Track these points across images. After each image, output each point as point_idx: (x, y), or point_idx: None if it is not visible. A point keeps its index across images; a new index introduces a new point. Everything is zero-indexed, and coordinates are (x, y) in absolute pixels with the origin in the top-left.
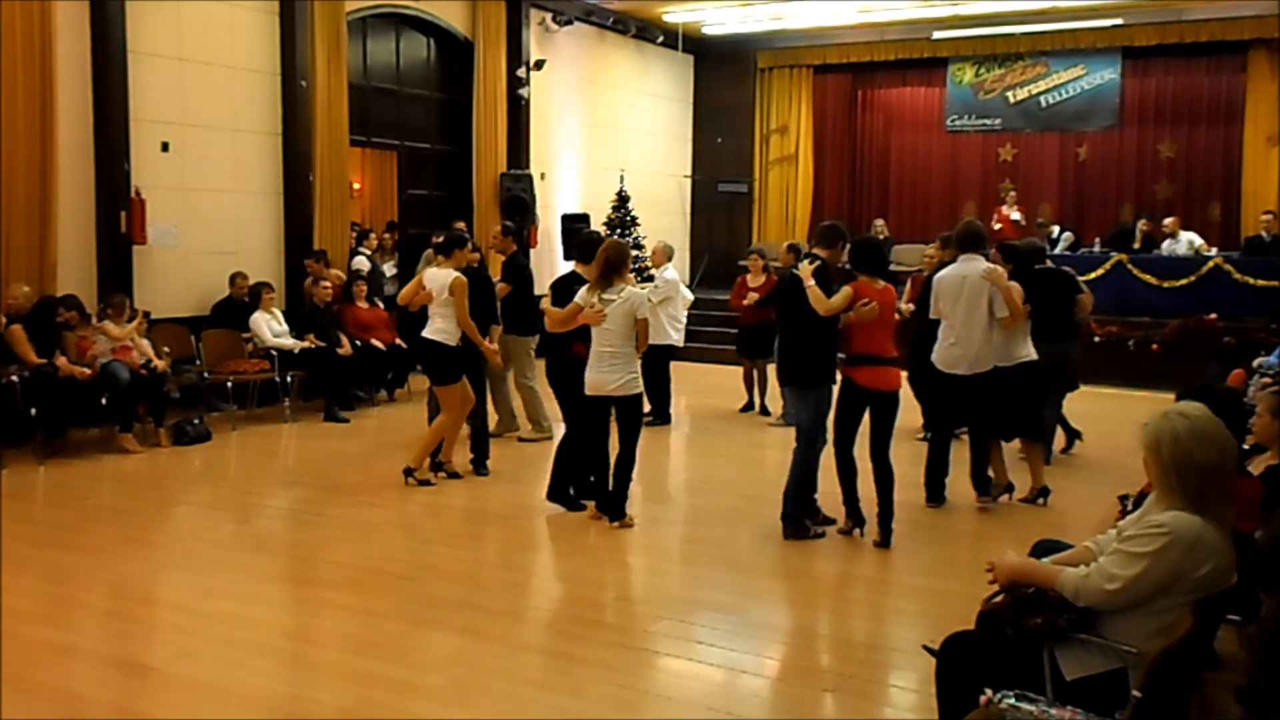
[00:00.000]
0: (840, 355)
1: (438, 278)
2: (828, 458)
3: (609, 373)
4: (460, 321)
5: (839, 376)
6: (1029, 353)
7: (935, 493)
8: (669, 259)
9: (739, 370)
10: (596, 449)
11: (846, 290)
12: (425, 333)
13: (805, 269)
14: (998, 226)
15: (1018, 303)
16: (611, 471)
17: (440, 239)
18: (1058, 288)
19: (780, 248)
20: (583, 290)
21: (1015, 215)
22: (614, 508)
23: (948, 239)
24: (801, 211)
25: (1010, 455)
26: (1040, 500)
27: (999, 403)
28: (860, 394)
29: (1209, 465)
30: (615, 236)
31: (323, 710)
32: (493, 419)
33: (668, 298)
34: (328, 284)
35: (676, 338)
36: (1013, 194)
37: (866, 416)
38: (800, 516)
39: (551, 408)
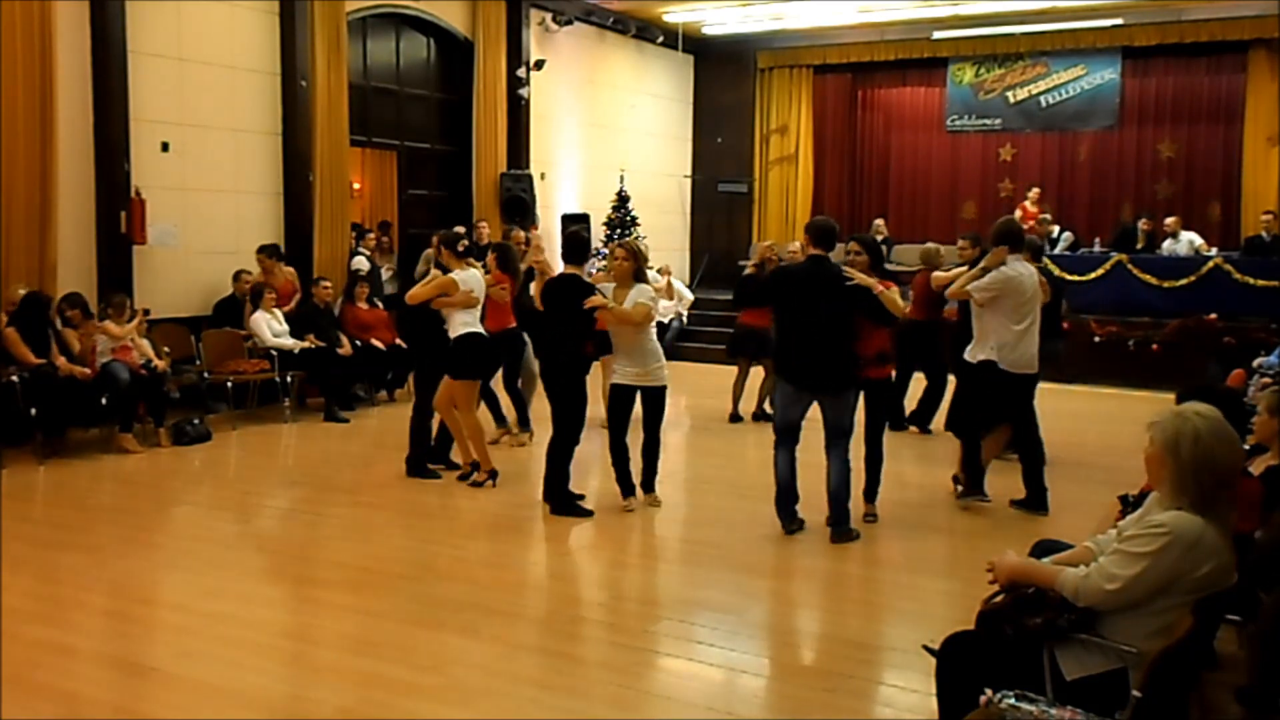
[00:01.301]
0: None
1: (475, 280)
2: (814, 455)
3: (654, 362)
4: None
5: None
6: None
7: (1039, 500)
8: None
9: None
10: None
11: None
12: (475, 330)
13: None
14: (1144, 226)
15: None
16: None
17: (464, 244)
18: (1052, 287)
19: (792, 247)
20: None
21: (1045, 215)
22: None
23: (976, 238)
24: (801, 211)
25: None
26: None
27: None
28: (872, 387)
29: (1227, 466)
30: (616, 238)
31: (323, 710)
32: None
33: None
34: (328, 284)
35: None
36: (1036, 191)
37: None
38: (848, 517)
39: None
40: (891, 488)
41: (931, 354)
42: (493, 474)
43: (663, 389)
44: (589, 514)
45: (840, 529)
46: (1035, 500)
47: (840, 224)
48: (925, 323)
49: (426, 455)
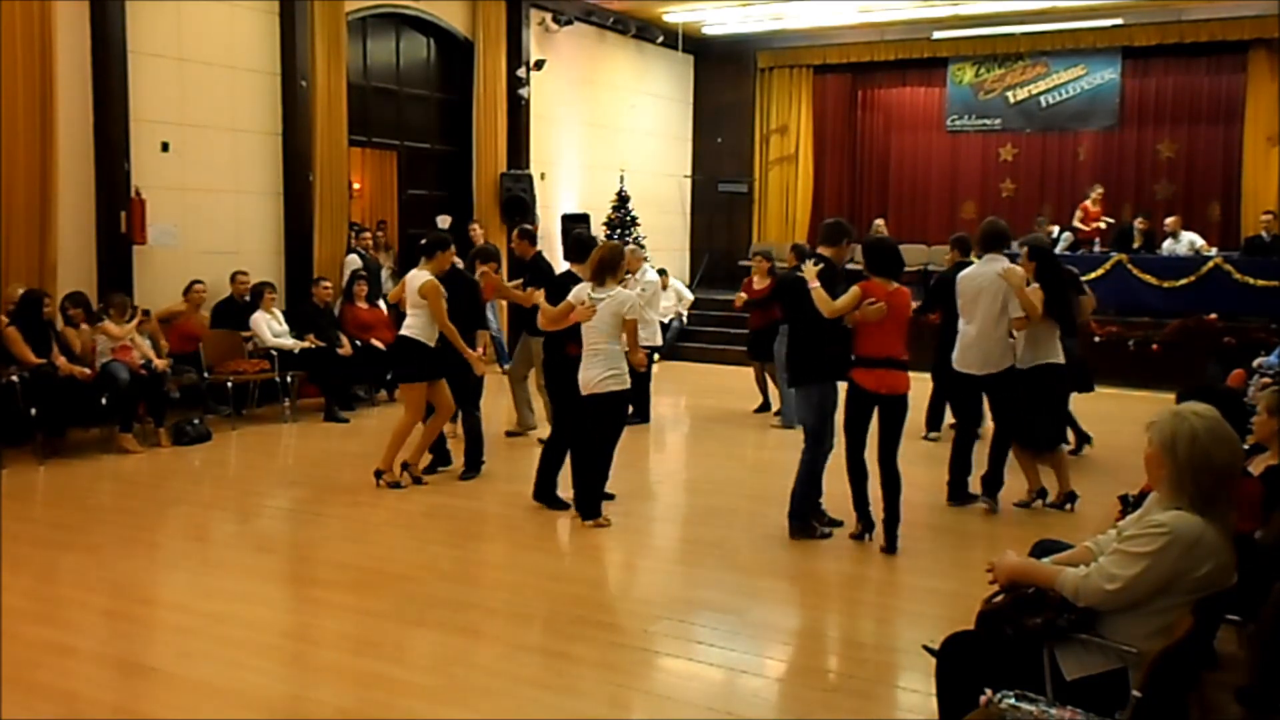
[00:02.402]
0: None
1: (415, 279)
2: (838, 459)
3: (591, 370)
4: (440, 325)
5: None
6: (1056, 355)
7: (957, 492)
8: (644, 261)
9: (740, 370)
10: (585, 448)
11: (854, 290)
12: (403, 330)
13: (810, 270)
14: (1088, 227)
15: (1034, 303)
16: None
17: (424, 241)
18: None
19: (785, 248)
20: (577, 289)
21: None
22: (587, 506)
23: (960, 241)
24: (801, 211)
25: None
26: (1068, 506)
27: (1027, 405)
28: (866, 397)
29: (1224, 466)
30: (616, 238)
31: (323, 710)
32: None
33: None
34: (328, 284)
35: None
36: (1099, 190)
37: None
38: (806, 516)
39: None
40: None
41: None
42: (378, 473)
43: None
44: (566, 507)
45: (791, 524)
46: (988, 488)
47: None
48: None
49: (478, 454)
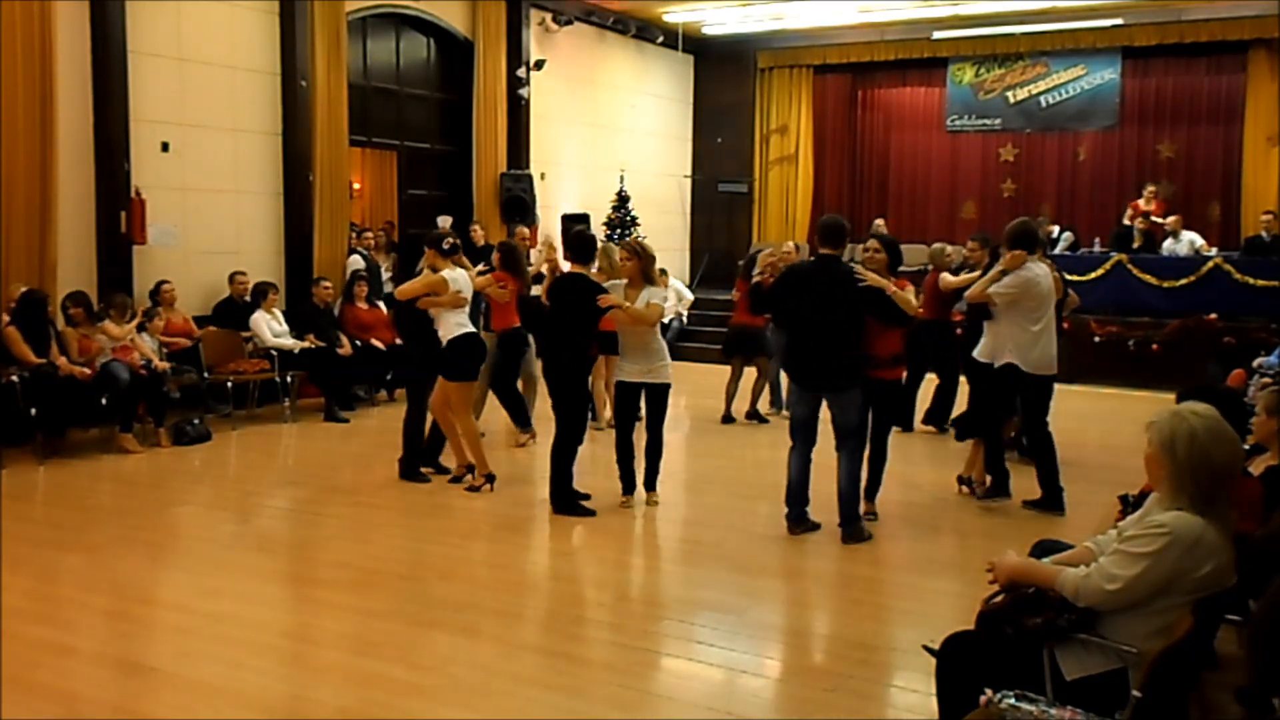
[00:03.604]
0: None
1: (464, 277)
2: (821, 455)
3: (645, 362)
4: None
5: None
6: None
7: (1002, 486)
8: None
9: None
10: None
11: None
12: (457, 330)
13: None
14: (1140, 225)
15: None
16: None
17: (452, 242)
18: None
19: (786, 246)
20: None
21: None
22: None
23: (986, 239)
24: (801, 211)
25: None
26: (965, 490)
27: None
28: (889, 389)
29: (1224, 466)
30: (616, 238)
31: (323, 710)
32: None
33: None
34: (328, 284)
35: None
36: (1151, 189)
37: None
38: (857, 516)
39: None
40: (896, 488)
41: (942, 354)
42: (490, 478)
43: (666, 386)
44: (591, 514)
45: (850, 529)
46: (1051, 500)
47: None
48: (935, 323)
49: (419, 458)
